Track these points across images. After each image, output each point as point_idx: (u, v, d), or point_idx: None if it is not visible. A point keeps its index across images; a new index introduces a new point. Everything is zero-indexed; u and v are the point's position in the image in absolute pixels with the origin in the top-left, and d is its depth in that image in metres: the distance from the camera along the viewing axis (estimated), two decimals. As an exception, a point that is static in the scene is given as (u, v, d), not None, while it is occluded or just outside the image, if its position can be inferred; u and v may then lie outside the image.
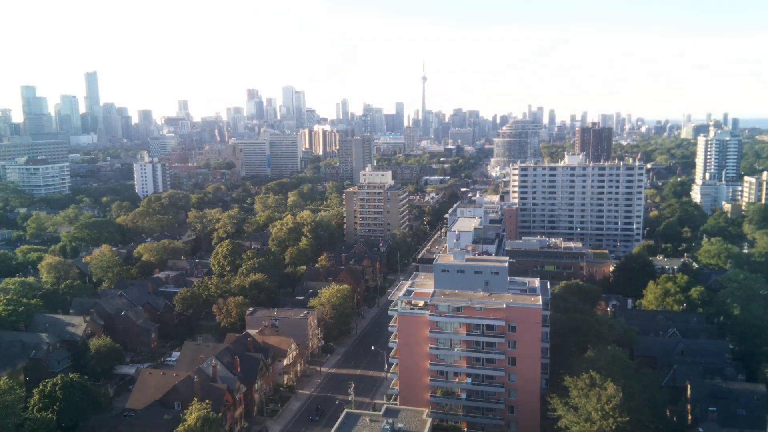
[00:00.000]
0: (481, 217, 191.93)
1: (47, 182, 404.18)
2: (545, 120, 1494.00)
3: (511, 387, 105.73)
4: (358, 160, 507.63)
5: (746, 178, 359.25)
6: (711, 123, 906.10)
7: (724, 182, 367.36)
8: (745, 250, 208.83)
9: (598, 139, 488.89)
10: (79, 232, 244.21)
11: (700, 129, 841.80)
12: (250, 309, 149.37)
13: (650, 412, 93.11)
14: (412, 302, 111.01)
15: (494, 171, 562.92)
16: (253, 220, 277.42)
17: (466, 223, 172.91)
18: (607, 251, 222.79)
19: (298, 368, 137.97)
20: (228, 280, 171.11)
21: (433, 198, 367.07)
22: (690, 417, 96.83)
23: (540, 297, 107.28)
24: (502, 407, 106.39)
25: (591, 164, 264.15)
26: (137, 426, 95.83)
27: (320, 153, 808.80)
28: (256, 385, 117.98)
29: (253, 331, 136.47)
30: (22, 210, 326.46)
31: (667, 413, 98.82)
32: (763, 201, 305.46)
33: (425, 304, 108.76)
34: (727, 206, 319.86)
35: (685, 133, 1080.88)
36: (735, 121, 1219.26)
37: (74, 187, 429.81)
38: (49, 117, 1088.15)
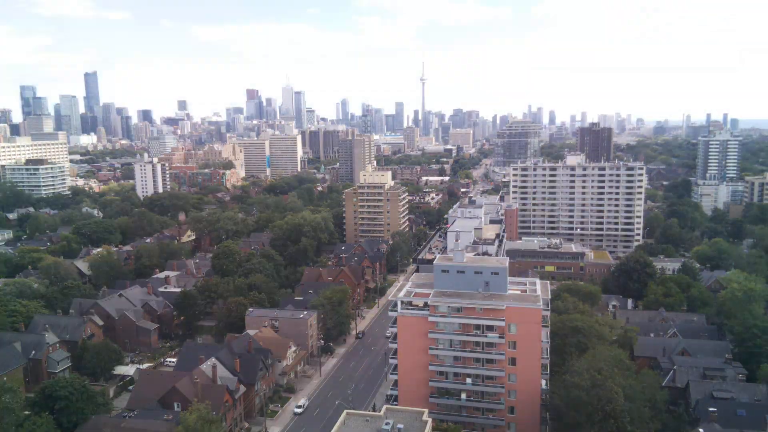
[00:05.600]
0: (481, 218, 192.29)
1: (47, 182, 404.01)
2: (545, 120, 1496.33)
3: (511, 387, 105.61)
4: (358, 161, 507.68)
5: (747, 178, 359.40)
6: (711, 124, 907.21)
7: (724, 183, 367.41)
8: (746, 251, 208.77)
9: (597, 140, 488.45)
10: (79, 232, 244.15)
11: (700, 129, 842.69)
12: (250, 309, 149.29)
13: (650, 412, 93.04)
14: (412, 303, 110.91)
15: (494, 171, 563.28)
16: (252, 221, 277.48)
17: (466, 224, 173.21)
18: (607, 251, 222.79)
19: (298, 369, 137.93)
20: (228, 281, 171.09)
21: (433, 198, 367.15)
22: (690, 417, 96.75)
23: (540, 297, 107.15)
24: (502, 407, 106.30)
25: (591, 164, 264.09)
26: (137, 426, 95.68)
27: (320, 153, 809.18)
28: (255, 385, 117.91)
29: (252, 332, 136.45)
30: (22, 210, 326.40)
31: (667, 414, 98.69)
32: (764, 201, 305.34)
33: (425, 304, 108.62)
34: (727, 206, 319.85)
35: (685, 133, 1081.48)
36: (734, 122, 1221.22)
37: (74, 187, 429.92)
38: (49, 117, 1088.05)
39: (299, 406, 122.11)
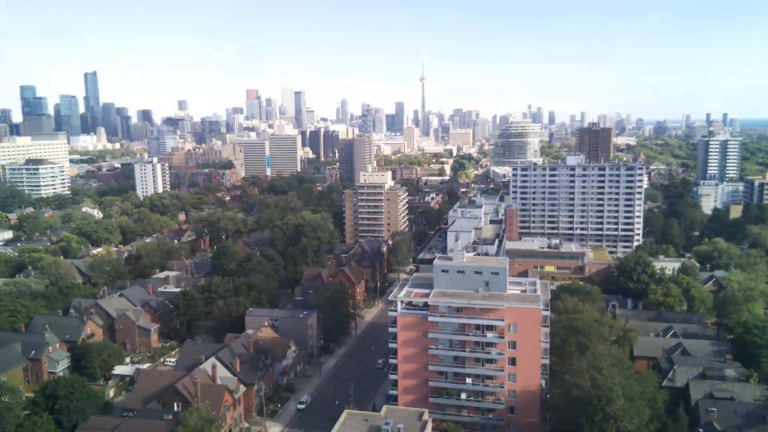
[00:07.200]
0: (480, 218, 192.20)
1: (47, 182, 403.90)
2: (545, 120, 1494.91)
3: (511, 387, 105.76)
4: (358, 161, 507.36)
5: (747, 178, 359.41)
6: (711, 124, 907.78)
7: (724, 182, 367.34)
8: (746, 251, 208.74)
9: (597, 140, 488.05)
10: (79, 232, 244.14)
11: (700, 129, 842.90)
12: (250, 309, 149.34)
13: (650, 412, 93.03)
14: (412, 303, 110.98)
15: (494, 171, 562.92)
16: (252, 221, 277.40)
17: (465, 224, 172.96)
18: (607, 251, 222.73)
19: (298, 369, 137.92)
20: (228, 281, 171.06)
21: (432, 198, 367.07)
22: (690, 417, 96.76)
23: (540, 297, 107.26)
24: (502, 407, 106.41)
25: (591, 165, 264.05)
26: (137, 426, 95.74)
27: (320, 153, 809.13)
28: (255, 385, 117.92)
29: (252, 332, 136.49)
30: (22, 210, 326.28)
31: (667, 413, 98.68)
32: (764, 201, 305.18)
33: (425, 304, 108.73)
34: (727, 206, 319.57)
35: (685, 133, 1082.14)
36: (734, 122, 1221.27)
37: (74, 187, 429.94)
38: (49, 117, 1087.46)
39: (302, 402, 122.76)
